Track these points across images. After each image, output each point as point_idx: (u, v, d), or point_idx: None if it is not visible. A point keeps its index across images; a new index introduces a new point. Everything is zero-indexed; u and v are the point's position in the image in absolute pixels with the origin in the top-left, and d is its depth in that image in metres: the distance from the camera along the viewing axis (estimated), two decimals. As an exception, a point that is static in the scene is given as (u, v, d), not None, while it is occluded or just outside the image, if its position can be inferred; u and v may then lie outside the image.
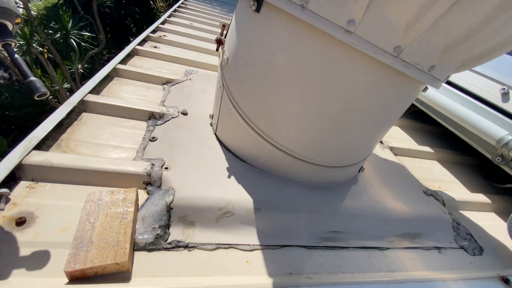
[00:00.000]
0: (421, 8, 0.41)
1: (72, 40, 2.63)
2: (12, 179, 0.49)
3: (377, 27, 0.44)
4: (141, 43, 1.32)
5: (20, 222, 0.44)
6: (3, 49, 0.40)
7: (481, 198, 0.88)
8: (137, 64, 1.11)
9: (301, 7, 0.44)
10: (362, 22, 0.43)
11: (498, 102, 0.95)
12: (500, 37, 0.46)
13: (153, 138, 0.68)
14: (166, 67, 1.17)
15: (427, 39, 0.46)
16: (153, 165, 0.58)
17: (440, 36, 0.46)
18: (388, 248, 0.62)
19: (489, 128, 0.88)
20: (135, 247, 0.45)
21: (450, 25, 0.44)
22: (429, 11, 0.41)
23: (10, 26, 0.40)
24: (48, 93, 0.39)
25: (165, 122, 0.76)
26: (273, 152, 0.63)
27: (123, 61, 1.07)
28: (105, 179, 0.54)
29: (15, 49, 0.40)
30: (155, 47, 1.35)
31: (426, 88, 0.61)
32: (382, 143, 1.04)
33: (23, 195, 0.48)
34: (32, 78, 0.39)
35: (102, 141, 0.65)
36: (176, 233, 0.49)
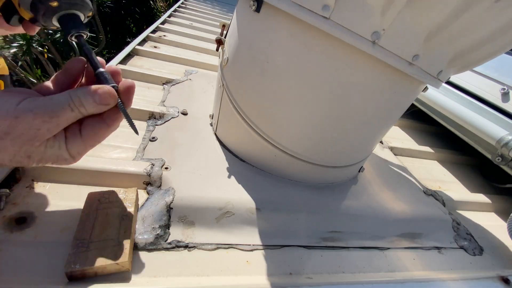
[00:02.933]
0: (447, 18, 0.42)
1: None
2: (12, 179, 0.49)
3: (398, 37, 0.44)
4: (141, 43, 1.32)
5: (20, 222, 0.44)
6: (76, 39, 0.41)
7: (481, 198, 0.88)
8: (137, 64, 1.11)
9: (323, 18, 0.43)
10: (386, 33, 0.43)
11: (498, 102, 0.95)
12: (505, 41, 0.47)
13: (153, 138, 0.68)
14: (166, 67, 1.17)
15: (442, 46, 0.46)
16: (153, 165, 0.58)
17: (455, 44, 0.47)
18: (388, 248, 0.62)
19: (489, 128, 0.88)
20: (135, 247, 0.45)
21: (468, 33, 0.44)
22: (456, 20, 0.41)
23: (82, 17, 0.42)
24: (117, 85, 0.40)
25: (165, 122, 0.76)
26: (273, 152, 0.63)
27: (123, 61, 1.07)
28: (105, 179, 0.54)
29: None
30: (155, 47, 1.35)
31: (426, 88, 0.61)
32: (382, 143, 1.04)
33: (23, 195, 0.48)
34: (101, 69, 0.39)
35: (102, 141, 0.65)
36: (176, 233, 0.49)
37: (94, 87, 0.36)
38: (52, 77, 0.39)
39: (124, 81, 0.39)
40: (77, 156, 0.39)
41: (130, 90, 0.40)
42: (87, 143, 0.38)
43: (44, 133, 0.32)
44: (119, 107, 0.39)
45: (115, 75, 0.40)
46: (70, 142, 0.36)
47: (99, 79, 0.39)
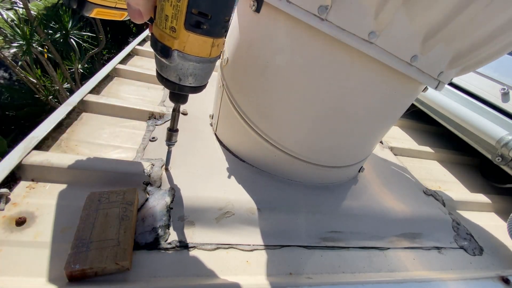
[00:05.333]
0: (443, 18, 0.42)
1: (72, 40, 2.62)
2: (12, 179, 0.49)
3: (395, 37, 0.44)
4: (141, 43, 1.32)
5: (20, 222, 0.44)
6: (176, 111, 0.51)
7: (481, 198, 0.88)
8: (137, 64, 1.11)
9: (320, 19, 0.43)
10: (383, 33, 0.43)
11: (498, 102, 0.95)
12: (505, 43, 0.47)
13: (153, 138, 0.68)
14: (166, 67, 1.16)
15: (440, 47, 0.46)
16: (153, 165, 0.58)
17: (454, 45, 0.47)
18: (388, 248, 0.62)
19: (489, 128, 0.88)
20: (135, 247, 0.45)
21: (468, 33, 0.44)
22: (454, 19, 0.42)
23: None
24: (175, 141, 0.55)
25: (165, 122, 0.76)
26: (273, 152, 0.63)
27: (123, 61, 1.07)
28: (105, 179, 0.54)
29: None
30: (155, 47, 1.34)
31: (426, 88, 0.61)
32: (382, 143, 1.04)
33: (23, 195, 0.48)
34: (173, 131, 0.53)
35: (102, 141, 0.65)
36: (176, 233, 0.49)
37: None
38: None
39: None
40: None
41: None
42: None
43: None
44: (168, 148, 0.55)
45: None
46: None
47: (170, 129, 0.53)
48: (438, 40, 0.45)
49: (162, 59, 0.39)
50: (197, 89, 0.44)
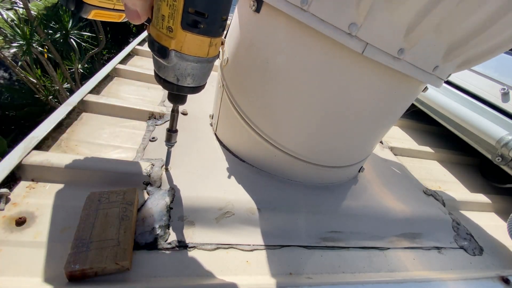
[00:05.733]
0: (423, 8, 0.41)
1: (72, 40, 2.62)
2: (12, 179, 0.49)
3: (377, 29, 0.44)
4: (141, 43, 1.32)
5: (20, 222, 0.44)
6: (175, 112, 0.51)
7: (481, 198, 0.88)
8: (137, 64, 1.11)
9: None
10: (364, 25, 0.43)
11: (498, 102, 0.95)
12: (504, 36, 0.46)
13: (153, 138, 0.68)
14: (166, 67, 1.16)
15: (427, 38, 0.46)
16: (153, 165, 0.58)
17: (445, 36, 0.47)
18: (388, 248, 0.62)
19: (489, 128, 0.88)
20: (135, 247, 0.45)
21: (457, 24, 0.44)
22: (434, 12, 0.41)
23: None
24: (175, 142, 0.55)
25: (165, 122, 0.76)
26: (273, 152, 0.63)
27: (123, 61, 1.07)
28: (105, 179, 0.54)
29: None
30: (155, 47, 1.34)
31: (426, 88, 0.61)
32: (382, 143, 1.04)
33: (23, 195, 0.48)
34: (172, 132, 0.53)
35: (102, 141, 0.65)
36: (176, 233, 0.49)
37: None
38: None
39: None
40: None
41: None
42: None
43: None
44: (168, 149, 0.55)
45: None
46: None
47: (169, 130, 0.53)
48: (422, 32, 0.45)
49: (160, 60, 0.39)
50: (196, 89, 0.44)
